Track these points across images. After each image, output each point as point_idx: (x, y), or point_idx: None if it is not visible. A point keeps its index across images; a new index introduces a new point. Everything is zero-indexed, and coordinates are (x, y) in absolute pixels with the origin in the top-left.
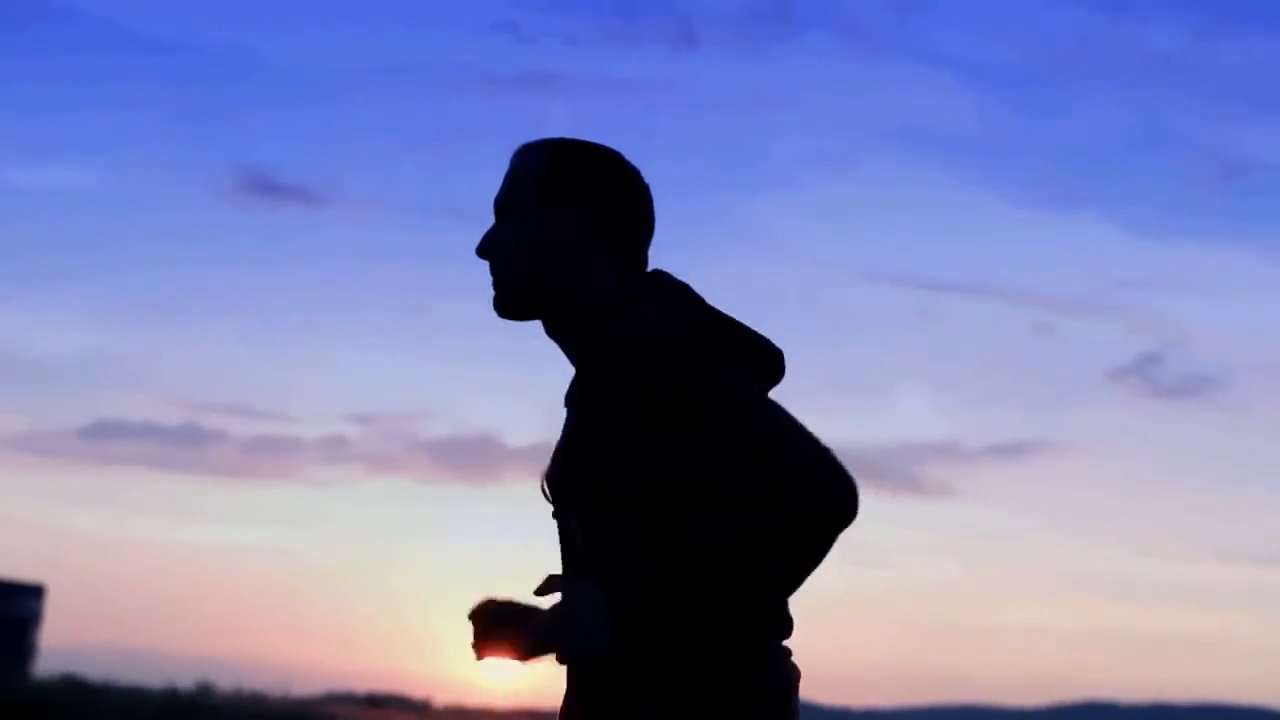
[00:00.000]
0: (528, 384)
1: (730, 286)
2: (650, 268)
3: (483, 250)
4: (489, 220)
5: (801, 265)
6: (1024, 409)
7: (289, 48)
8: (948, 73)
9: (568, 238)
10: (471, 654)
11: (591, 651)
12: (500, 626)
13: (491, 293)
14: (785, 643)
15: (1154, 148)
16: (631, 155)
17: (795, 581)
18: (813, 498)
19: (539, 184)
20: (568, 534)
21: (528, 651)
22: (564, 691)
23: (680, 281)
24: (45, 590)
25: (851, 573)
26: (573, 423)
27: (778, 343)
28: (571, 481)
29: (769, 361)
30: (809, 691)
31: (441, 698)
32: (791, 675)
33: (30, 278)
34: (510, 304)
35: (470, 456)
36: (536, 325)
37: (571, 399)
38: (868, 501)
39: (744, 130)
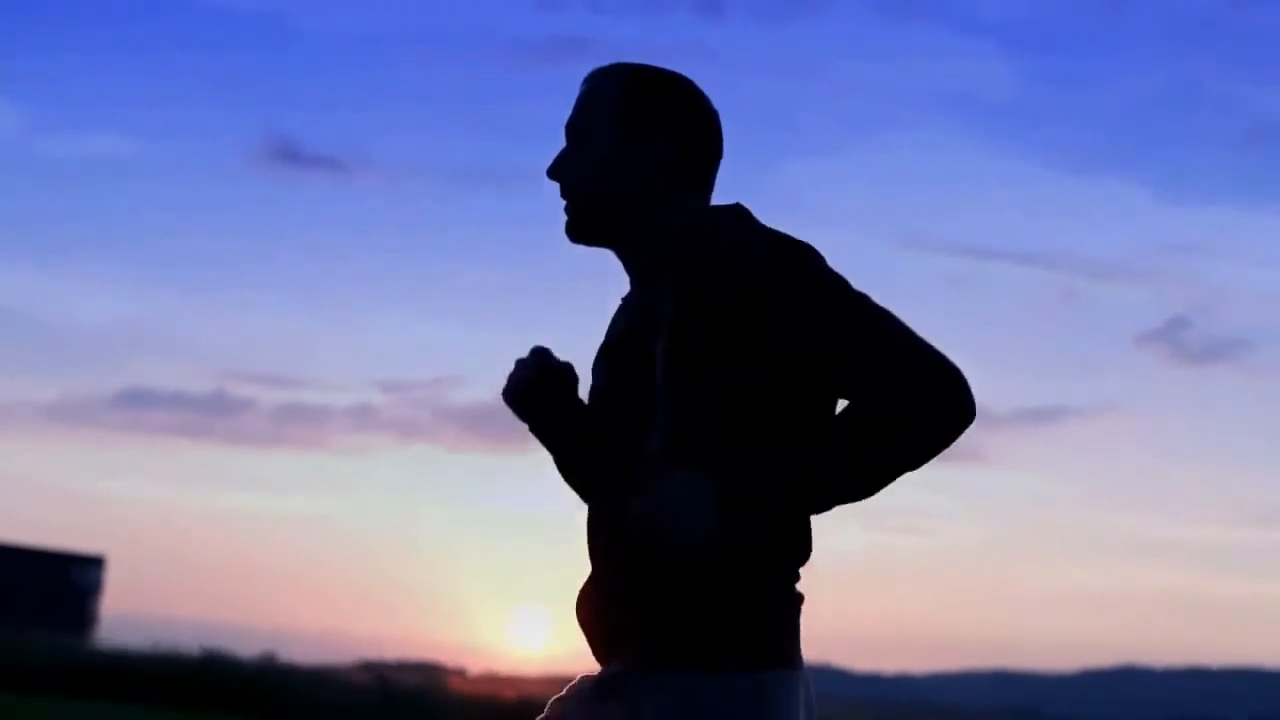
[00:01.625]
0: (557, 349)
1: None
2: None
3: (554, 171)
4: (519, 186)
5: (834, 231)
6: (1054, 374)
7: (319, 17)
8: (980, 39)
9: (643, 163)
10: (504, 397)
11: (691, 544)
12: (554, 387)
13: (564, 216)
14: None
15: (1185, 112)
16: None
17: (893, 476)
18: (950, 395)
19: (615, 108)
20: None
21: (579, 466)
22: (587, 586)
23: (754, 217)
24: (105, 561)
25: (883, 539)
26: (641, 344)
27: None
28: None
29: None
30: (840, 657)
31: (475, 666)
32: (795, 598)
33: (62, 247)
34: (584, 227)
35: (500, 423)
36: (564, 290)
37: (639, 321)
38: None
39: (776, 96)
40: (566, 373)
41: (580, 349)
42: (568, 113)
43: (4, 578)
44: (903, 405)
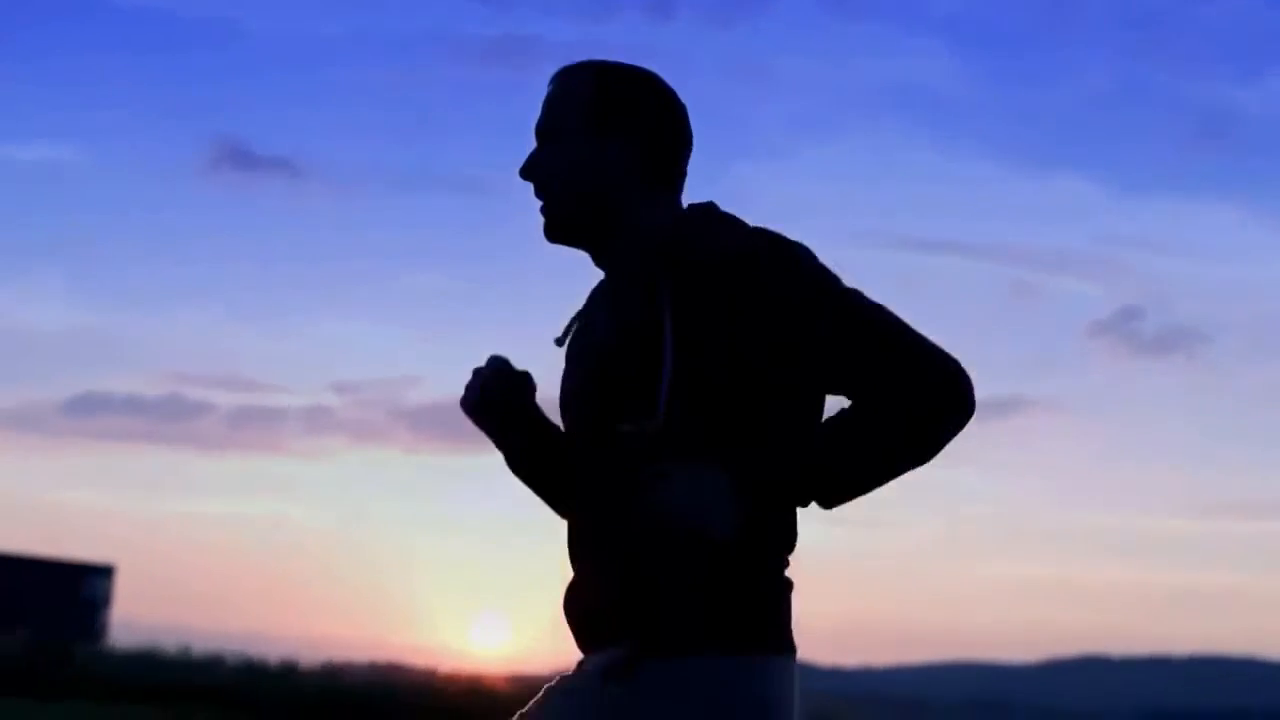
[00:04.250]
0: (508, 349)
1: None
2: None
3: (527, 172)
4: (468, 190)
5: (787, 229)
6: (1007, 367)
7: (269, 20)
8: (929, 37)
9: (616, 160)
10: (463, 406)
11: (713, 535)
12: (511, 395)
13: (540, 218)
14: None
15: (1134, 106)
16: None
17: (900, 471)
18: (948, 390)
19: (586, 107)
20: (597, 456)
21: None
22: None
23: (728, 214)
24: (115, 571)
25: (840, 532)
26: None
27: None
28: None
29: None
30: (803, 651)
31: (444, 666)
32: (784, 582)
33: (11, 252)
34: (562, 228)
35: (454, 424)
36: (516, 291)
37: (612, 312)
38: None
39: (724, 97)
40: (523, 381)
41: (531, 348)
42: (518, 114)
43: (9, 586)
44: (906, 400)
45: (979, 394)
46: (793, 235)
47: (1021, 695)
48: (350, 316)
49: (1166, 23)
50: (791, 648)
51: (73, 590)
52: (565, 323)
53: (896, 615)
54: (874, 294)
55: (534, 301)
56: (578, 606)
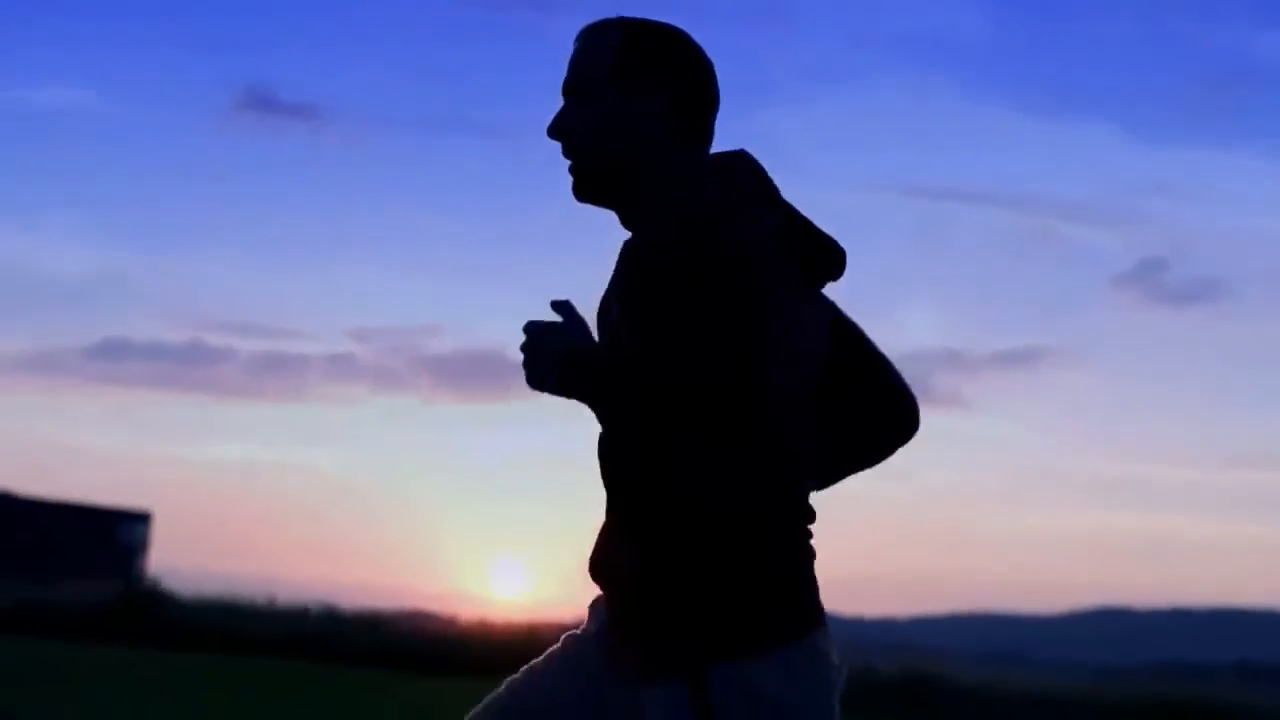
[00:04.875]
0: (534, 297)
1: None
2: None
3: (555, 131)
4: (492, 136)
5: (807, 176)
6: (1029, 317)
7: None
8: None
9: (644, 118)
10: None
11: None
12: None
13: (569, 177)
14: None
15: (1158, 53)
16: None
17: (838, 478)
18: (894, 408)
19: (614, 64)
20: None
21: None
22: (603, 610)
23: (756, 166)
24: (151, 517)
25: (861, 484)
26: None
27: None
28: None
29: (832, 258)
30: (824, 602)
31: (466, 614)
32: (805, 555)
33: (34, 198)
34: (591, 187)
35: (477, 372)
36: (540, 239)
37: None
38: None
39: (746, 44)
40: (561, 331)
41: (557, 296)
42: (542, 57)
43: (48, 533)
44: (873, 416)
45: (1000, 344)
46: (811, 182)
47: (1041, 646)
48: (373, 263)
49: None
50: (824, 617)
51: (109, 536)
52: (584, 278)
53: (917, 566)
54: (894, 242)
55: (559, 248)
56: (617, 586)
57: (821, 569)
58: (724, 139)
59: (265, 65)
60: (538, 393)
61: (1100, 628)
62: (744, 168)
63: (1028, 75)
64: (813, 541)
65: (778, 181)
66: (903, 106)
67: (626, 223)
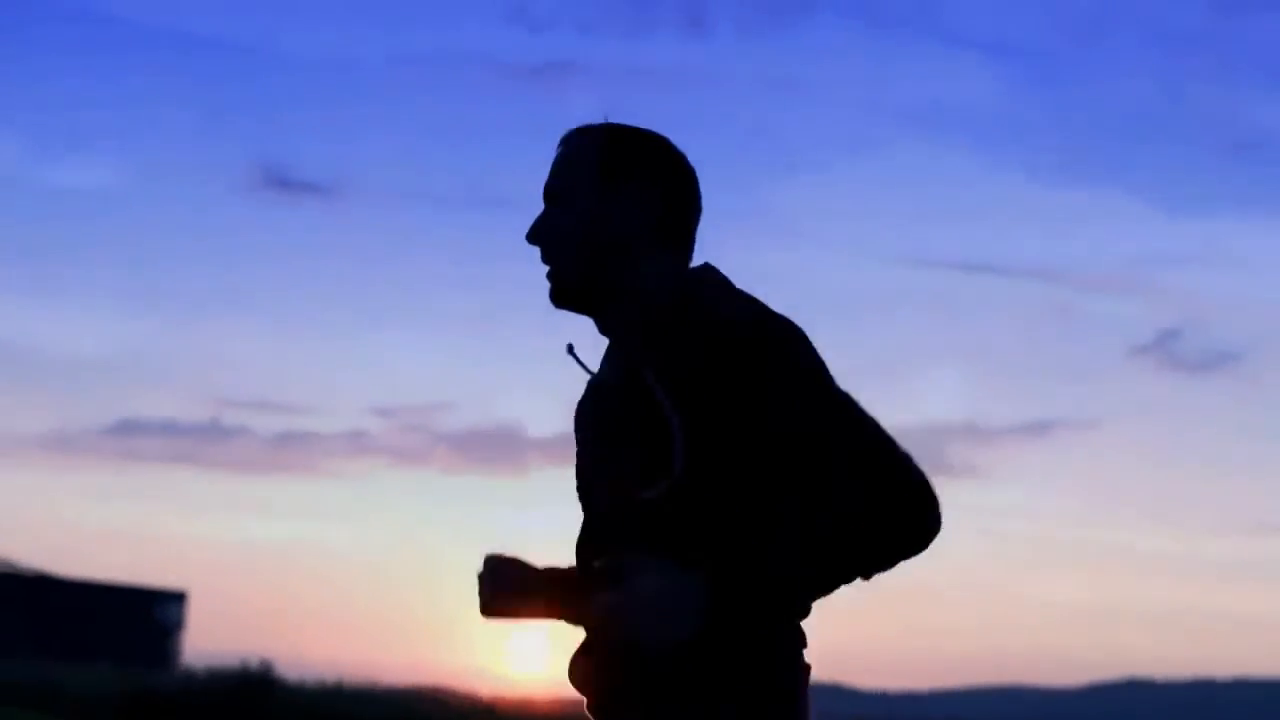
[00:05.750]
0: (549, 374)
1: (753, 270)
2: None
3: (534, 236)
4: (507, 211)
5: (824, 249)
6: (1047, 387)
7: (304, 41)
8: (966, 50)
9: (624, 223)
10: (481, 614)
11: (674, 640)
12: (512, 585)
13: (546, 284)
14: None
15: (1174, 122)
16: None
17: (845, 581)
18: (916, 514)
19: (596, 168)
20: (605, 518)
21: (565, 618)
22: (580, 664)
23: (724, 277)
24: (187, 596)
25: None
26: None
27: (802, 325)
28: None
29: None
30: (845, 676)
31: (483, 690)
32: (802, 671)
33: (52, 276)
34: (569, 293)
35: (493, 448)
36: (553, 315)
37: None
38: None
39: (763, 115)
40: (511, 563)
41: (570, 375)
42: (560, 133)
43: (85, 613)
44: (881, 505)
45: (1020, 416)
46: (829, 254)
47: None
48: (389, 338)
49: (1205, 37)
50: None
51: (145, 616)
52: (589, 363)
53: (938, 639)
54: (910, 313)
55: (571, 324)
56: (597, 697)
57: (841, 643)
58: (744, 209)
59: (279, 143)
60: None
61: (1123, 700)
62: (711, 280)
63: (1045, 145)
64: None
65: (790, 252)
66: (919, 177)
67: (604, 330)
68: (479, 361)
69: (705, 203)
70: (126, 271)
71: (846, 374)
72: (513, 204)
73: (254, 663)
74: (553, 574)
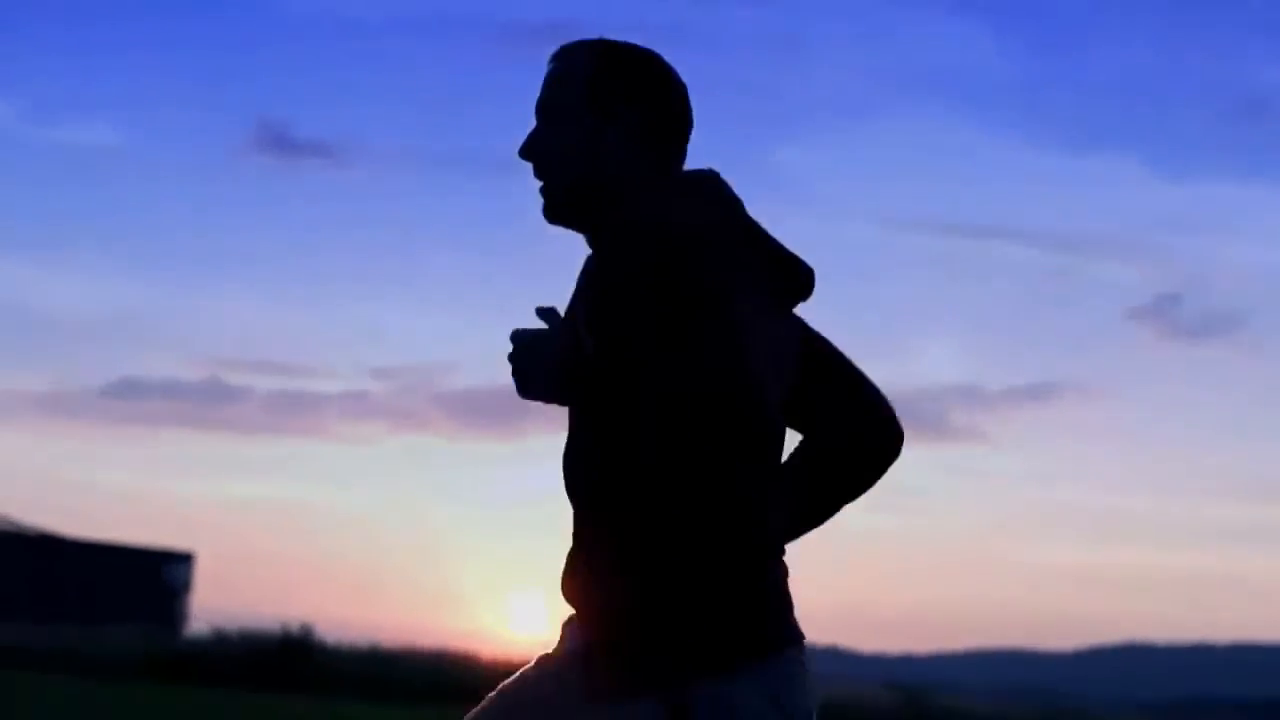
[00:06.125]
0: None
1: None
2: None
3: (526, 152)
4: (509, 173)
5: (822, 212)
6: (1046, 352)
7: (308, 2)
8: (967, 16)
9: (615, 140)
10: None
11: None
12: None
13: (540, 199)
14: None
15: (1174, 87)
16: None
17: (832, 511)
18: (883, 427)
19: (586, 85)
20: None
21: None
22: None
23: (721, 185)
24: (194, 557)
25: (881, 519)
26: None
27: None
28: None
29: (794, 278)
30: (844, 638)
31: (486, 652)
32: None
33: (53, 235)
34: (560, 209)
35: (493, 409)
36: (555, 278)
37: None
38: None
39: (765, 77)
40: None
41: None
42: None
43: (91, 574)
44: (862, 441)
45: (1018, 380)
46: (829, 217)
47: (1063, 683)
48: (390, 300)
49: (1208, 3)
50: (800, 635)
51: (153, 577)
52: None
53: (937, 602)
54: (912, 277)
55: (570, 284)
56: (588, 606)
57: (839, 606)
58: (743, 171)
59: (282, 104)
60: (532, 401)
61: (1122, 664)
62: (709, 185)
63: (1044, 109)
64: (785, 559)
65: (793, 215)
66: (920, 141)
67: (593, 246)
68: (479, 322)
69: (707, 164)
70: (128, 231)
71: (846, 337)
72: (514, 165)
73: (294, 627)
74: None
